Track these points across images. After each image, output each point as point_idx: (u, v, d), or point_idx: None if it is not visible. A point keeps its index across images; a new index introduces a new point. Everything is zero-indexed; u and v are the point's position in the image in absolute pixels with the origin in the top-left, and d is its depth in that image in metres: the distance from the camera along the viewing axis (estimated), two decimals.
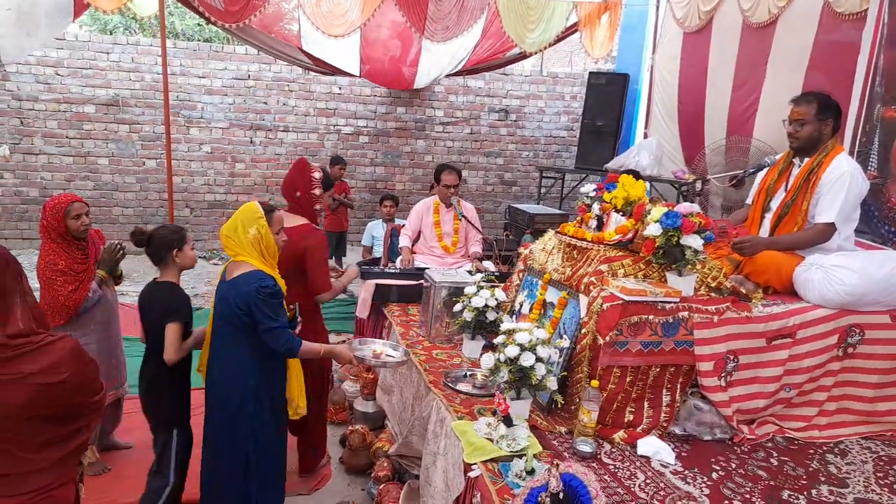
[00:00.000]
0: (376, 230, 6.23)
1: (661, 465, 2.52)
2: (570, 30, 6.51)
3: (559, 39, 6.54)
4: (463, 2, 6.10)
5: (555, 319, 3.03)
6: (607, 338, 2.64)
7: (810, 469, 2.61)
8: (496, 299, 3.27)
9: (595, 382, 2.62)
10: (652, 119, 7.00)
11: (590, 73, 7.78)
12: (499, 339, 2.67)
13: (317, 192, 3.22)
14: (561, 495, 1.93)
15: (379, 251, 6.12)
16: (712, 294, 2.89)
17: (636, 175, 3.45)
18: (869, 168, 3.91)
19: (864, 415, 3.00)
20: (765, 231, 3.32)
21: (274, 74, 7.99)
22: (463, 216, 4.68)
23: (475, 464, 2.33)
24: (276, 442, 2.76)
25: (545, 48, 6.61)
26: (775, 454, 2.71)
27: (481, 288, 3.31)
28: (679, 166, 6.35)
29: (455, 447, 2.49)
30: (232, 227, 2.54)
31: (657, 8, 7.02)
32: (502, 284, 3.57)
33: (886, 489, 2.49)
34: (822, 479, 2.54)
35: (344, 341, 3.05)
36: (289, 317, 2.68)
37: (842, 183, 3.02)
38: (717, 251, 3.17)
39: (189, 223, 8.06)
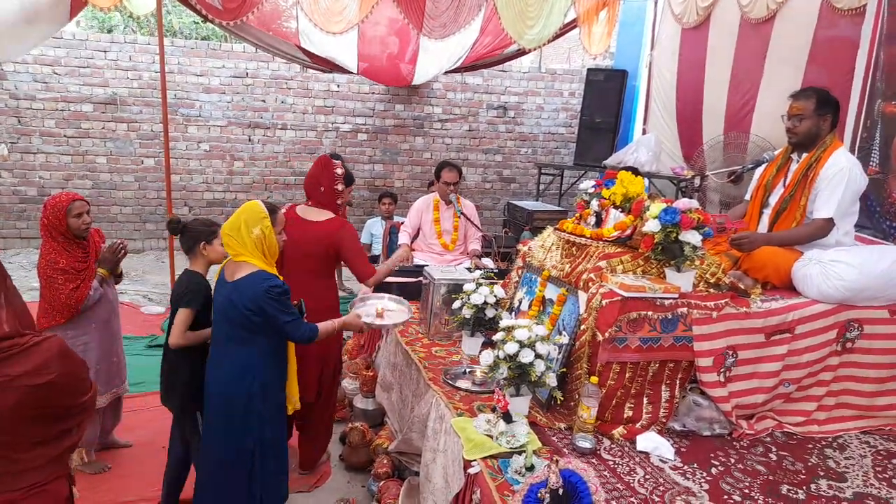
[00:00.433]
0: (375, 228, 6.23)
1: (661, 460, 2.53)
2: (569, 26, 6.50)
3: (557, 36, 6.52)
4: None
5: (554, 316, 3.04)
6: (606, 334, 2.65)
7: (809, 464, 2.62)
8: (495, 296, 3.27)
9: (594, 379, 2.62)
10: (650, 115, 7.01)
11: (588, 69, 7.77)
12: (498, 336, 2.67)
13: (339, 187, 3.29)
14: (560, 491, 1.94)
15: (378, 249, 6.13)
16: (711, 290, 2.90)
17: (635, 172, 3.45)
18: (870, 164, 3.92)
19: (863, 409, 3.01)
20: (763, 227, 3.32)
21: (272, 72, 7.98)
22: (462, 213, 4.68)
23: (475, 460, 2.34)
24: (279, 440, 2.77)
25: (543, 45, 6.59)
26: (774, 449, 2.72)
27: (480, 285, 3.31)
28: (678, 162, 6.36)
29: (455, 444, 2.50)
30: (234, 226, 2.53)
31: (655, 4, 7.03)
32: (501, 281, 3.57)
33: (885, 483, 2.49)
34: (821, 473, 2.54)
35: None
36: None
37: (840, 178, 3.03)
38: (716, 247, 3.17)
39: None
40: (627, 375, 2.71)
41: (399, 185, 8.64)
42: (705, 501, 2.27)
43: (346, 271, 4.74)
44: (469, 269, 3.77)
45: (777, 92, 4.96)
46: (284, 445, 2.86)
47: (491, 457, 2.36)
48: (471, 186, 8.92)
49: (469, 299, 3.27)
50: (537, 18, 6.25)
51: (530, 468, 2.23)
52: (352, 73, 7.10)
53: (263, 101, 8.03)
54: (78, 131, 7.57)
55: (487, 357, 2.67)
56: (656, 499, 2.25)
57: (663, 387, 2.78)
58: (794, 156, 3.27)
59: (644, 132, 7.13)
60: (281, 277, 2.61)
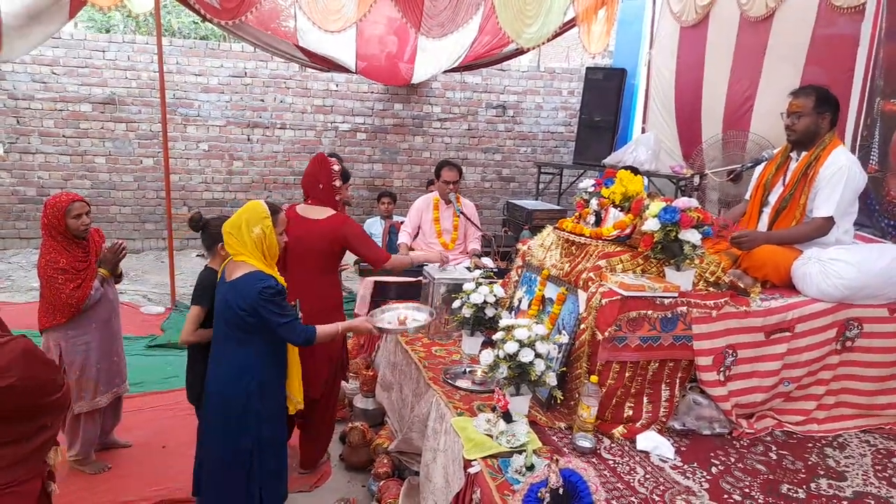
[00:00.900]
0: (374, 227, 6.22)
1: (661, 459, 2.53)
2: (568, 25, 6.49)
3: (556, 35, 6.52)
4: None
5: (553, 315, 3.04)
6: (606, 333, 2.64)
7: (809, 463, 2.62)
8: (495, 296, 3.27)
9: (594, 378, 2.62)
10: (649, 114, 7.00)
11: (587, 68, 7.77)
12: (498, 336, 2.67)
13: (337, 183, 3.31)
14: (561, 491, 1.94)
15: None
16: (711, 289, 2.90)
17: (634, 171, 3.45)
18: (870, 162, 3.91)
19: (863, 408, 3.01)
20: (763, 225, 3.32)
21: (271, 72, 7.97)
22: (462, 213, 4.68)
23: (475, 460, 2.33)
24: (278, 439, 2.76)
25: (542, 44, 6.59)
26: (774, 448, 2.72)
27: (480, 284, 3.30)
28: (677, 161, 6.35)
29: (455, 443, 2.50)
30: (236, 225, 2.53)
31: (654, 2, 7.02)
32: (501, 281, 3.57)
33: (885, 482, 2.50)
34: (821, 472, 2.54)
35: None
36: None
37: (839, 177, 3.03)
38: (716, 246, 3.17)
39: (187, 221, 8.04)
40: (627, 374, 2.71)
41: (398, 185, 8.64)
42: (705, 501, 2.27)
43: (344, 273, 4.73)
44: (469, 269, 3.77)
45: (776, 90, 4.96)
46: (284, 445, 2.86)
47: (491, 456, 2.36)
48: (470, 186, 8.91)
49: (469, 299, 3.26)
50: (536, 17, 6.24)
51: (530, 468, 2.23)
52: (350, 72, 7.10)
53: (262, 100, 8.03)
54: (77, 131, 7.56)
55: (487, 356, 2.66)
56: (656, 498, 2.25)
57: (663, 386, 2.78)
58: (794, 154, 3.27)
59: (643, 131, 7.13)
60: (281, 278, 2.61)
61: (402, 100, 8.49)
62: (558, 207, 6.63)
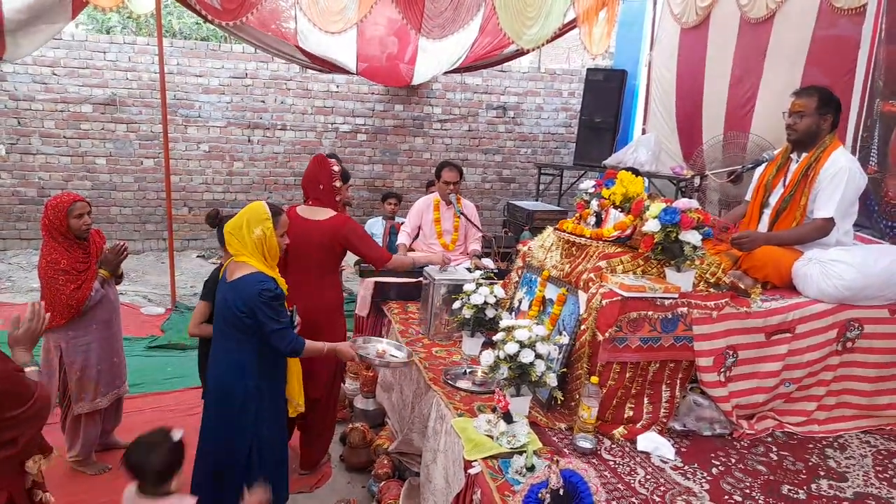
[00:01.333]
0: (376, 227, 6.22)
1: (661, 460, 2.53)
2: (568, 26, 6.50)
3: (556, 36, 6.52)
4: None
5: (554, 316, 3.04)
6: (606, 334, 2.64)
7: (810, 463, 2.61)
8: (495, 296, 3.27)
9: (595, 379, 2.62)
10: (650, 115, 7.01)
11: (587, 69, 7.78)
12: (498, 337, 2.67)
13: (337, 183, 3.32)
14: (561, 491, 1.94)
15: None
16: (711, 290, 2.90)
17: (635, 172, 3.45)
18: (869, 163, 3.92)
19: (864, 409, 3.01)
20: (763, 226, 3.32)
21: (271, 73, 7.98)
22: (462, 214, 4.67)
23: (475, 460, 2.33)
24: (278, 441, 2.76)
25: (543, 45, 6.59)
26: (775, 449, 2.72)
27: (480, 285, 3.30)
28: (677, 162, 6.35)
29: (455, 444, 2.50)
30: (237, 225, 2.54)
31: (654, 4, 7.03)
32: (501, 281, 3.57)
33: (886, 483, 2.49)
34: (822, 473, 2.54)
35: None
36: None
37: (840, 178, 3.03)
38: (716, 247, 3.17)
39: (187, 222, 8.06)
40: (628, 375, 2.71)
41: (399, 186, 8.64)
42: (706, 501, 2.26)
43: (344, 274, 4.74)
44: (469, 270, 3.77)
45: (776, 91, 4.97)
46: (284, 446, 2.86)
47: (491, 457, 2.36)
48: (470, 186, 8.92)
49: (469, 299, 3.27)
50: (536, 19, 6.25)
51: (531, 468, 2.23)
52: (351, 73, 7.10)
53: (263, 101, 8.03)
54: (77, 132, 7.57)
55: (488, 357, 2.66)
56: (657, 499, 2.25)
57: (664, 387, 2.78)
58: (794, 155, 3.27)
59: (644, 132, 7.14)
60: (282, 280, 2.61)
61: (403, 101, 8.50)
62: (559, 208, 6.64)
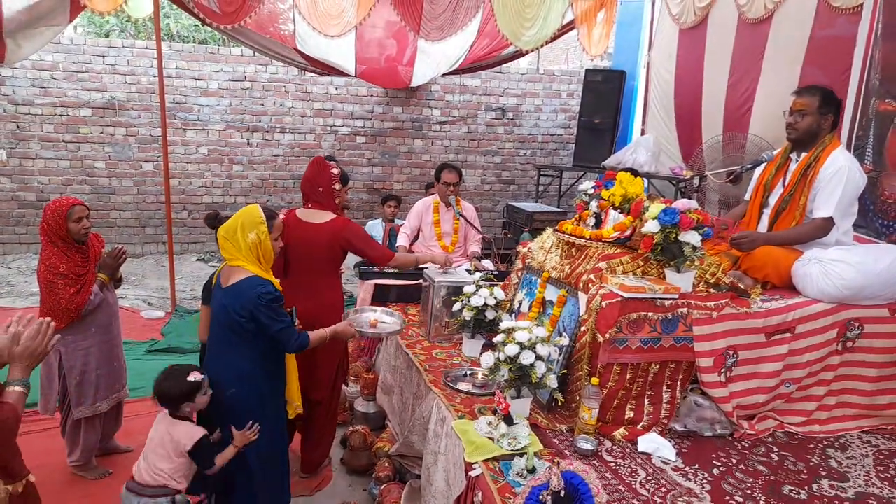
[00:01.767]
0: (375, 230, 6.22)
1: (662, 461, 2.53)
2: (567, 27, 6.49)
3: (555, 37, 6.52)
4: (458, 1, 6.08)
5: (554, 317, 3.04)
6: (607, 335, 2.64)
7: (811, 463, 2.61)
8: (495, 298, 3.27)
9: (595, 380, 2.62)
10: (649, 116, 7.01)
11: (586, 70, 7.77)
12: (498, 338, 2.67)
13: (337, 186, 3.31)
14: (562, 493, 1.93)
15: None
16: (711, 290, 2.90)
17: (634, 173, 3.45)
18: (865, 162, 3.92)
19: (864, 408, 3.01)
20: (763, 226, 3.32)
21: (270, 76, 7.98)
22: (461, 215, 4.68)
23: (476, 463, 2.33)
24: (279, 444, 2.76)
25: (541, 46, 6.59)
26: (776, 449, 2.72)
27: (480, 287, 3.31)
28: (677, 163, 6.35)
29: (456, 446, 2.49)
30: (231, 229, 2.53)
31: (653, 4, 7.03)
32: (501, 283, 3.57)
33: (887, 483, 2.49)
34: (823, 473, 2.54)
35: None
36: None
37: (839, 177, 3.03)
38: (716, 247, 3.17)
39: (187, 225, 8.06)
40: (628, 376, 2.70)
41: (398, 188, 8.64)
42: (707, 502, 2.26)
43: (343, 275, 4.74)
44: (469, 271, 3.77)
45: (774, 91, 4.97)
46: (285, 450, 2.86)
47: (492, 459, 2.36)
48: (470, 188, 8.92)
49: (469, 301, 3.27)
50: (534, 20, 6.24)
51: (532, 470, 2.23)
52: (350, 76, 7.10)
53: (262, 104, 8.04)
54: (76, 136, 7.57)
55: (488, 359, 2.66)
56: (658, 500, 2.24)
57: (664, 388, 2.78)
58: (794, 155, 3.27)
59: (643, 133, 7.13)
60: (277, 282, 2.61)
61: (402, 103, 8.50)
62: (558, 210, 6.63)
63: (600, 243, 3.06)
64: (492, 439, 2.44)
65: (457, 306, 3.35)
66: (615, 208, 3.18)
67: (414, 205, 4.98)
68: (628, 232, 3.01)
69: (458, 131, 8.79)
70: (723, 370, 2.79)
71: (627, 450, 2.59)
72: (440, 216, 4.80)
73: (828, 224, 3.08)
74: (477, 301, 3.25)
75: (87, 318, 3.15)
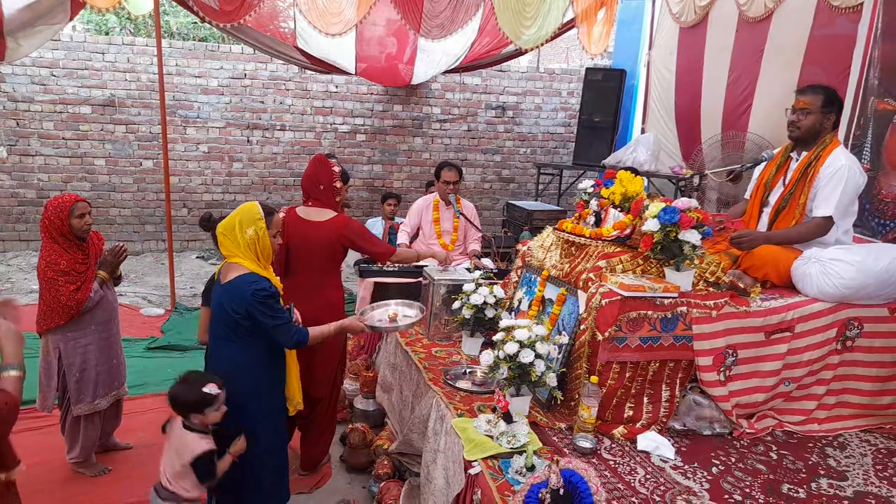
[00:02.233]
0: (375, 227, 6.23)
1: (661, 460, 2.53)
2: (567, 26, 6.49)
3: (555, 36, 6.52)
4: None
5: (553, 316, 3.04)
6: (606, 334, 2.64)
7: (810, 462, 2.62)
8: (495, 296, 3.28)
9: (594, 378, 2.62)
10: (649, 114, 7.01)
11: (586, 68, 7.77)
12: (498, 337, 2.67)
13: (338, 184, 3.31)
14: (561, 491, 1.94)
15: None
16: (710, 289, 2.90)
17: (634, 172, 3.45)
18: (863, 161, 3.92)
19: (864, 408, 3.01)
20: (763, 225, 3.32)
21: (270, 73, 7.98)
22: (461, 214, 4.68)
23: (475, 461, 2.34)
24: (277, 441, 2.76)
25: (541, 44, 6.59)
26: (775, 448, 2.72)
27: (480, 285, 3.31)
28: (677, 161, 6.35)
29: (455, 444, 2.50)
30: (230, 226, 2.53)
31: (653, 3, 7.03)
32: (501, 281, 3.57)
33: (885, 482, 2.50)
34: (822, 472, 2.55)
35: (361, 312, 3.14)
36: None
37: (840, 176, 3.03)
38: (716, 246, 3.17)
39: (187, 223, 8.05)
40: (627, 375, 2.71)
41: (398, 186, 8.64)
42: (706, 501, 2.27)
43: (343, 273, 4.75)
44: (469, 270, 3.77)
45: (773, 90, 4.97)
46: (284, 447, 2.86)
47: (491, 457, 2.36)
48: (470, 186, 8.92)
49: (469, 300, 3.28)
50: (534, 18, 6.24)
51: (531, 468, 2.23)
52: (350, 73, 7.10)
53: (262, 102, 8.03)
54: (76, 133, 7.56)
55: (487, 357, 2.67)
56: (657, 498, 2.25)
57: (663, 386, 2.78)
58: (794, 154, 3.27)
59: (643, 131, 7.13)
60: (276, 279, 2.61)
61: (402, 101, 8.50)
62: (558, 208, 6.64)
63: (600, 242, 3.06)
64: (491, 437, 2.44)
65: (456, 304, 3.35)
66: (615, 207, 3.18)
67: (414, 203, 4.98)
68: (628, 231, 3.01)
69: (458, 129, 8.79)
70: (722, 369, 2.80)
71: (626, 448, 2.60)
72: (440, 214, 4.80)
73: (828, 223, 3.08)
74: (476, 299, 3.25)
75: (86, 315, 3.15)
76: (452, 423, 2.59)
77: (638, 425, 2.72)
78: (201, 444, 2.44)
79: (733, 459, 2.58)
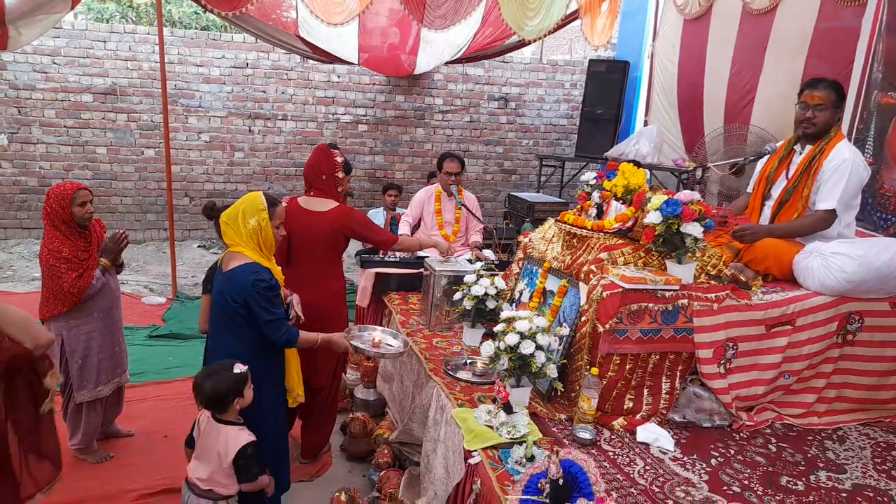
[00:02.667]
0: (377, 218, 6.22)
1: (661, 451, 2.54)
2: (571, 17, 6.47)
3: (559, 27, 6.49)
4: None
5: (554, 307, 3.04)
6: (607, 325, 2.65)
7: (809, 455, 2.63)
8: (496, 288, 3.28)
9: (595, 370, 2.63)
10: (652, 107, 6.98)
11: (590, 60, 7.74)
12: (499, 328, 2.68)
13: (340, 174, 3.31)
14: (560, 481, 1.94)
15: None
16: (712, 282, 2.90)
17: (636, 164, 3.45)
18: (865, 155, 3.91)
19: (863, 402, 3.02)
20: (765, 219, 3.32)
21: (272, 63, 7.95)
22: (463, 205, 4.67)
23: (475, 451, 2.35)
24: (277, 431, 2.77)
25: (545, 36, 6.56)
26: (774, 440, 2.73)
27: (481, 276, 3.31)
28: (679, 154, 6.34)
29: (455, 434, 2.51)
30: (233, 215, 2.53)
31: None
32: (502, 273, 3.57)
33: (884, 475, 2.50)
34: (821, 465, 2.55)
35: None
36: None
37: (843, 170, 3.02)
38: (717, 239, 3.17)
39: (188, 212, 8.06)
40: (628, 367, 2.71)
41: (400, 177, 8.63)
42: (705, 492, 2.28)
43: (344, 264, 4.75)
44: (470, 261, 3.77)
45: (776, 83, 4.96)
46: (284, 436, 2.87)
47: (491, 447, 2.37)
48: (472, 178, 8.91)
49: (470, 291, 3.28)
50: (538, 9, 6.22)
51: (530, 459, 2.24)
52: (353, 63, 7.07)
53: (264, 91, 8.01)
54: (78, 122, 7.55)
55: (488, 348, 2.67)
56: (656, 489, 2.26)
57: (664, 378, 2.78)
58: (798, 147, 3.26)
59: (646, 123, 7.11)
60: (278, 270, 2.61)
61: (404, 91, 8.47)
62: (560, 200, 6.63)
63: (602, 234, 3.06)
64: (491, 427, 2.45)
65: (457, 295, 3.36)
66: (617, 199, 3.17)
67: (416, 194, 4.98)
68: (630, 223, 3.01)
69: (460, 120, 8.77)
70: (722, 361, 2.80)
71: (626, 439, 2.61)
72: (442, 205, 4.80)
73: (830, 216, 3.07)
74: (478, 290, 3.26)
75: (88, 302, 3.16)
76: (453, 413, 2.60)
77: (638, 417, 2.73)
78: (243, 435, 2.41)
79: (732, 451, 2.59)
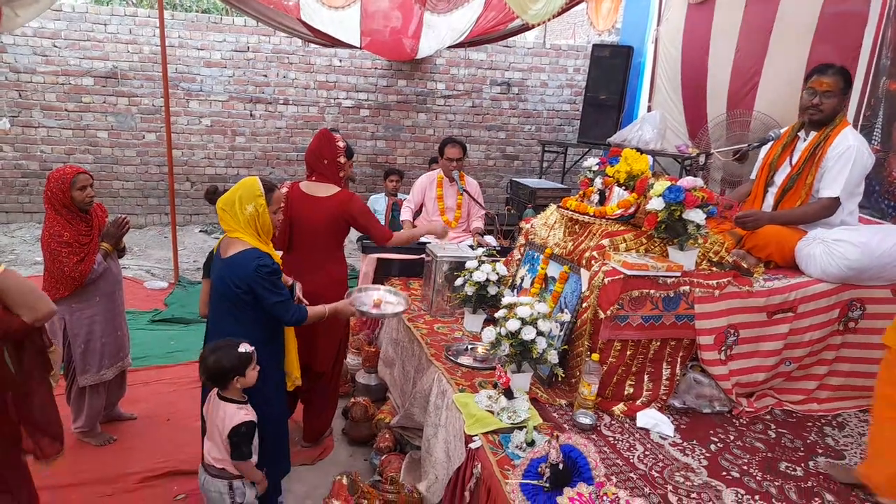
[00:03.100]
0: (378, 204, 6.21)
1: (661, 437, 2.55)
2: (575, 1, 6.40)
3: (563, 11, 6.42)
4: None
5: (556, 293, 3.04)
6: (608, 312, 2.65)
7: (808, 441, 2.64)
8: (497, 274, 3.28)
9: (595, 356, 2.63)
10: (656, 92, 6.93)
11: (593, 45, 7.67)
12: (500, 314, 2.68)
13: (342, 159, 3.29)
14: (560, 466, 1.96)
15: None
16: (714, 268, 2.90)
17: (639, 150, 3.43)
18: (872, 142, 3.89)
19: (864, 389, 3.02)
20: (768, 206, 3.31)
21: (273, 46, 7.90)
22: (465, 191, 4.66)
23: (476, 435, 2.36)
24: (278, 415, 2.79)
25: (548, 20, 6.49)
26: (773, 427, 2.74)
27: (483, 262, 3.31)
28: (683, 140, 6.30)
29: (456, 419, 2.52)
30: (230, 201, 2.52)
31: None
32: (504, 259, 3.57)
33: None
34: (820, 450, 2.57)
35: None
36: None
37: (847, 157, 3.01)
38: (720, 226, 3.16)
39: (189, 197, 8.05)
40: (629, 353, 2.72)
41: (401, 162, 8.60)
42: (704, 477, 2.29)
43: (345, 249, 4.75)
44: (472, 247, 3.77)
45: (781, 69, 4.91)
46: (284, 420, 2.89)
47: (492, 432, 2.38)
48: (474, 163, 8.88)
49: (471, 277, 3.28)
50: None
51: (531, 443, 2.26)
52: (354, 47, 7.02)
53: (265, 75, 7.97)
54: (79, 105, 7.52)
55: (489, 334, 2.68)
56: (655, 474, 2.27)
57: (664, 364, 2.79)
58: (802, 134, 3.24)
59: (649, 109, 7.06)
60: (277, 255, 2.61)
61: (406, 76, 8.42)
62: (562, 186, 6.61)
63: (604, 220, 3.05)
64: (492, 413, 2.46)
65: (459, 281, 3.36)
66: (620, 185, 3.16)
67: (417, 179, 4.96)
68: (632, 209, 3.01)
69: (462, 106, 8.72)
70: (723, 348, 2.81)
71: (626, 425, 2.62)
72: (443, 191, 4.79)
73: (834, 204, 3.06)
74: (479, 276, 3.26)
75: (90, 286, 3.16)
76: (454, 398, 2.61)
77: (638, 402, 2.74)
78: (240, 414, 2.41)
79: (732, 437, 2.60)
